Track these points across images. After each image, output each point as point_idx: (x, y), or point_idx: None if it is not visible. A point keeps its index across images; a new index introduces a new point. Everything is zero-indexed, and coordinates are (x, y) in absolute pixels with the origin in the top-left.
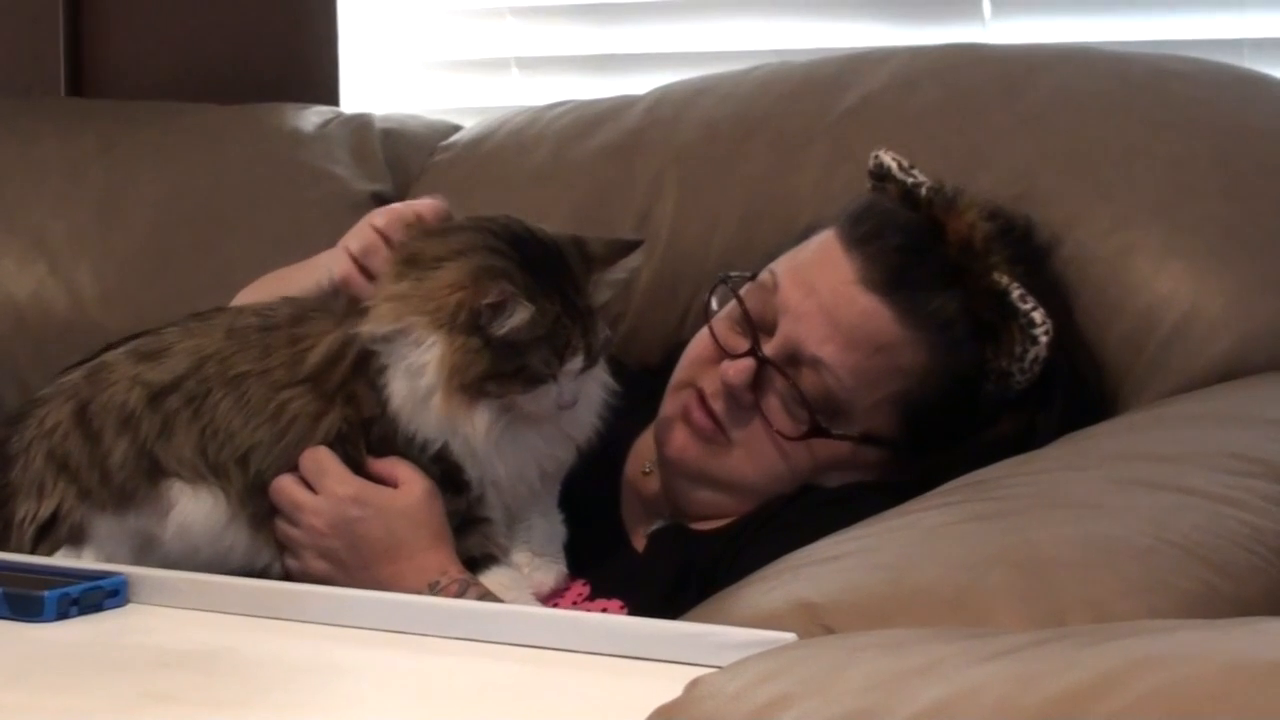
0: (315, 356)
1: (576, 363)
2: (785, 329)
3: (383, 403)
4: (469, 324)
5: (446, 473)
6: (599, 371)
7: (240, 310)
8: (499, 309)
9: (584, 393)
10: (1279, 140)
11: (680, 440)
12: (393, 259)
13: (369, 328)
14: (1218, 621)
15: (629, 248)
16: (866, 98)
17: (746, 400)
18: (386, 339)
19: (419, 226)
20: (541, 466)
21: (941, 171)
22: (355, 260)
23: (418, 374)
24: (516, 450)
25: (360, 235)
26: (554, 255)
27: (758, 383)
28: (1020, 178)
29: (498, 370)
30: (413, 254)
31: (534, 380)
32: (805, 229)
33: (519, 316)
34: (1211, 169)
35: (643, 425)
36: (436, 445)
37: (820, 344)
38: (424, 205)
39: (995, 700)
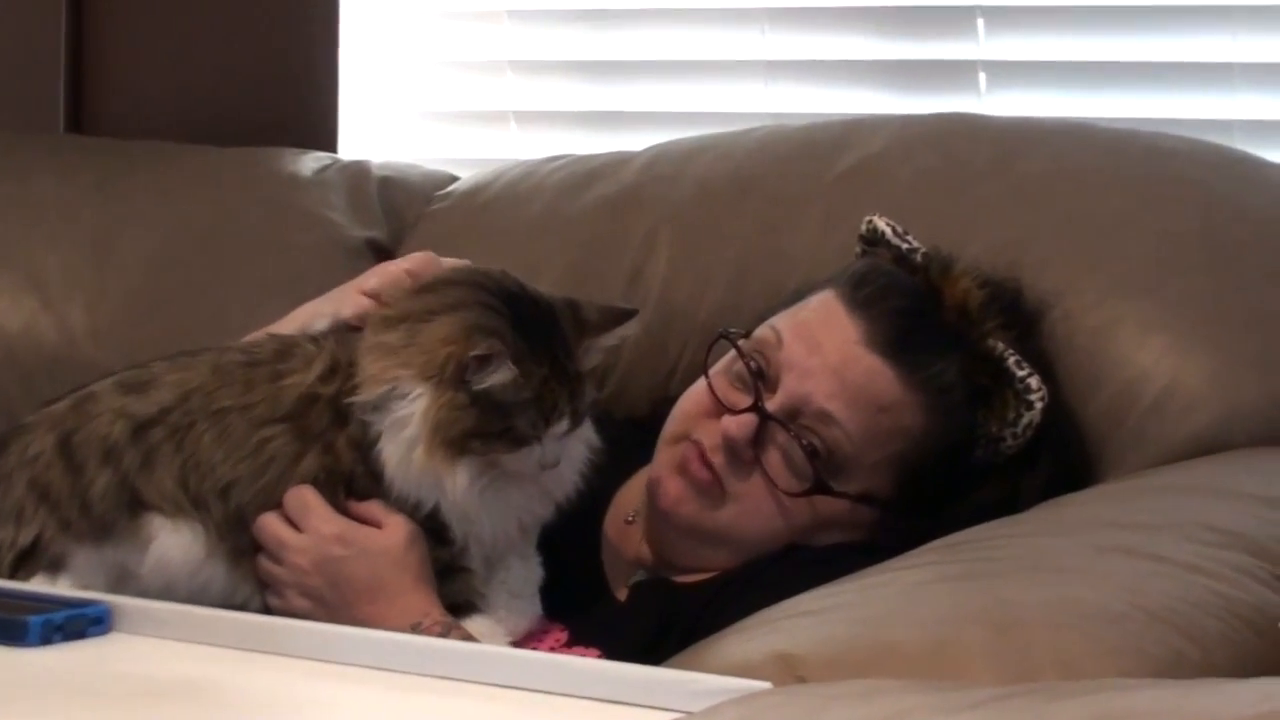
0: (292, 394)
1: (561, 426)
2: (790, 385)
3: (376, 471)
4: (456, 378)
5: (432, 528)
6: (583, 430)
7: (227, 347)
8: (485, 363)
9: (567, 452)
10: (1266, 220)
11: (676, 492)
12: (380, 317)
13: (362, 398)
14: (1183, 682)
15: (623, 316)
16: (861, 163)
17: (746, 456)
18: (377, 406)
19: (409, 285)
20: (521, 521)
21: (933, 238)
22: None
23: (403, 425)
24: (498, 506)
25: (352, 301)
26: (547, 317)
27: (757, 439)
28: (1010, 247)
29: (483, 429)
30: (404, 312)
31: (518, 441)
32: (796, 290)
33: (502, 375)
34: (1199, 245)
35: (626, 475)
36: (427, 507)
37: (828, 399)
38: (413, 261)
39: None
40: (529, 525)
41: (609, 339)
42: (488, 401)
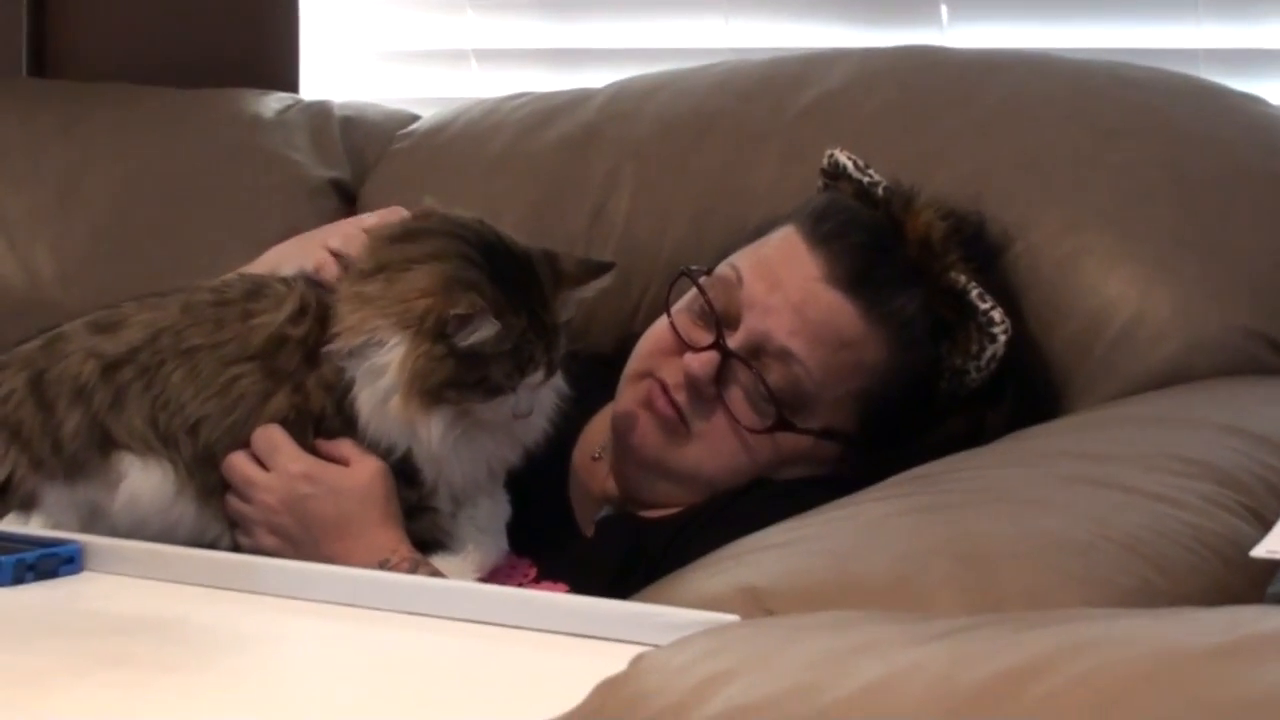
0: (262, 334)
1: (537, 377)
2: (751, 323)
3: (348, 414)
4: (435, 331)
5: (403, 471)
6: (554, 378)
7: (197, 286)
8: (466, 321)
9: (538, 400)
10: (1231, 150)
11: (642, 429)
12: (357, 272)
13: (340, 344)
14: (1151, 610)
15: (600, 269)
16: (822, 97)
17: (709, 393)
18: (353, 353)
19: (385, 233)
20: (490, 466)
21: (896, 172)
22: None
23: (379, 374)
24: (469, 453)
25: (316, 256)
26: (525, 268)
27: (720, 376)
28: (974, 179)
29: (459, 379)
30: (382, 261)
31: (493, 391)
32: (758, 226)
33: (485, 331)
34: (1163, 176)
35: (592, 412)
36: (399, 452)
37: (789, 336)
38: (379, 217)
39: (932, 679)
40: (498, 470)
41: (585, 291)
42: (465, 353)
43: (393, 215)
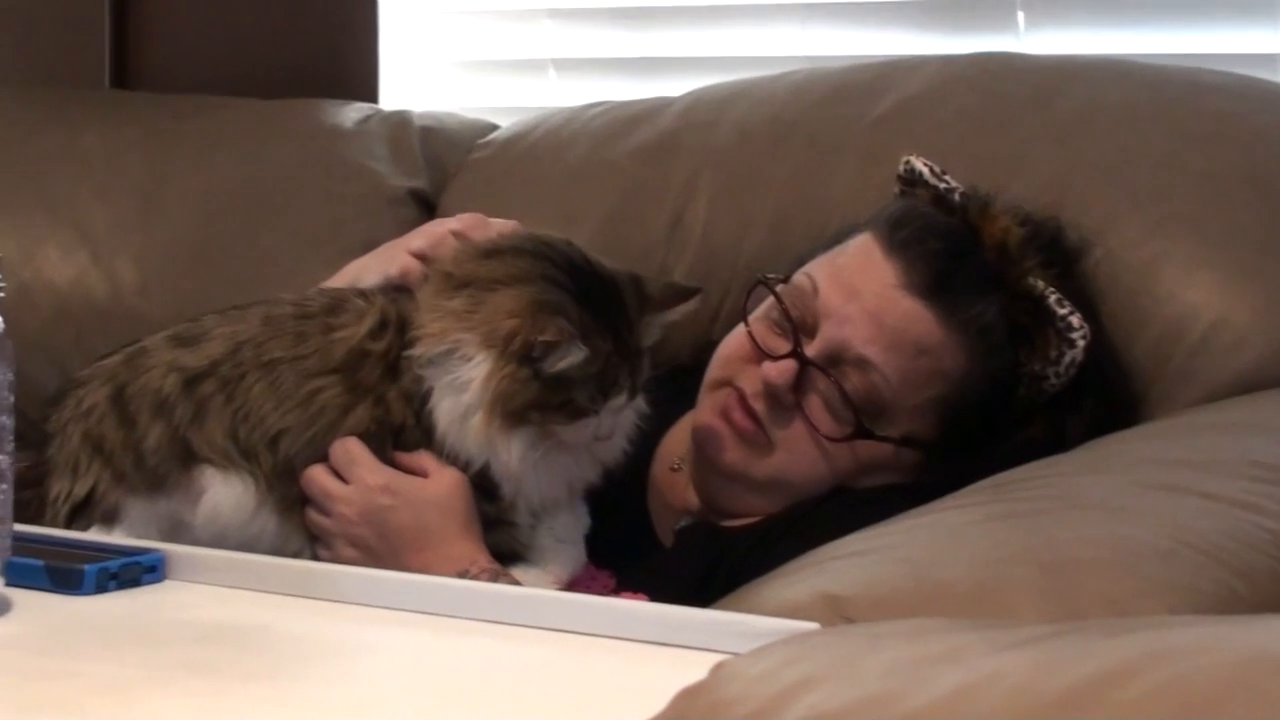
0: (343, 347)
1: (620, 401)
2: (828, 331)
3: (427, 426)
4: (520, 354)
5: (482, 484)
6: (636, 400)
7: (279, 299)
8: (554, 347)
9: (619, 422)
10: None
11: (722, 442)
12: (441, 275)
13: (421, 351)
14: (1236, 618)
15: (686, 294)
16: (899, 104)
17: (787, 401)
18: (433, 361)
19: (472, 247)
20: (570, 485)
21: (973, 178)
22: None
23: (461, 389)
24: (549, 472)
25: (399, 260)
26: (611, 291)
27: (798, 384)
28: (1052, 186)
29: (543, 402)
30: (468, 275)
31: (577, 414)
32: (836, 233)
33: (572, 357)
34: (1242, 182)
35: (671, 421)
36: (477, 466)
37: (865, 344)
38: (461, 221)
39: (1014, 687)
40: (577, 487)
41: (671, 315)
42: (551, 377)
43: (475, 220)
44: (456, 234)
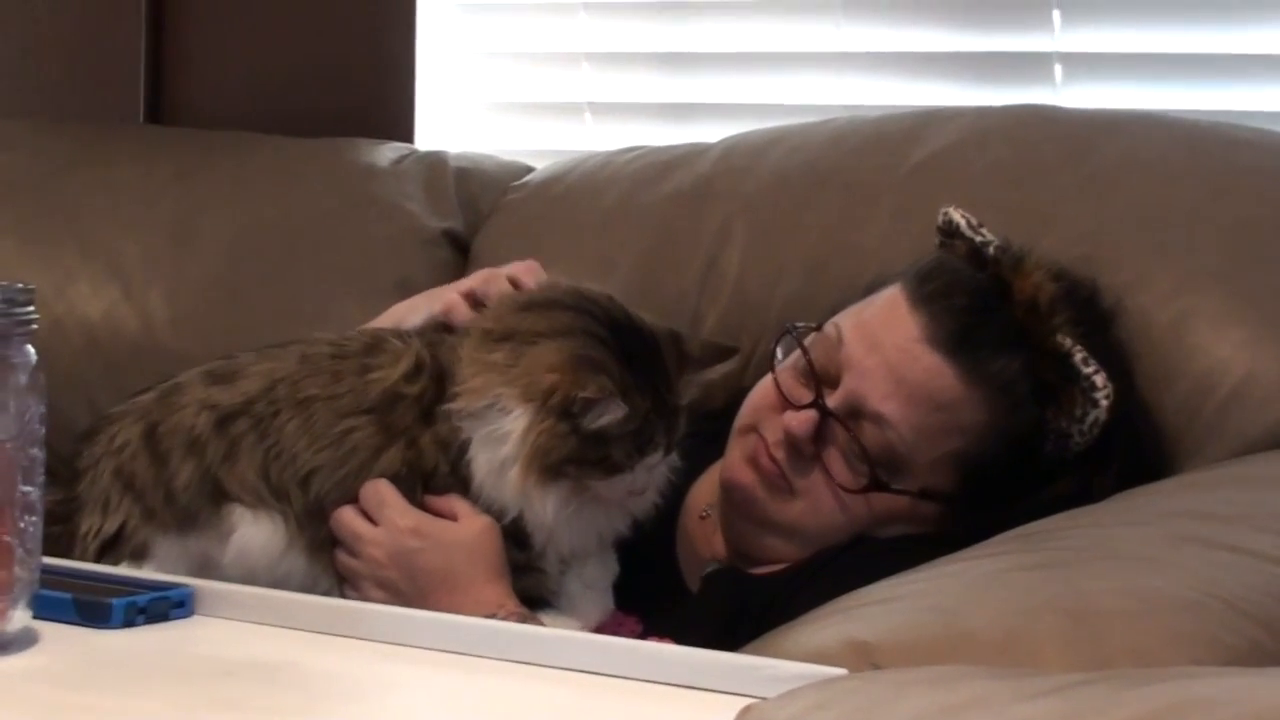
0: (378, 388)
1: (656, 458)
2: (849, 384)
3: (461, 474)
4: (560, 409)
5: (514, 533)
6: (671, 456)
7: (316, 339)
8: (594, 404)
9: (653, 477)
10: None
11: (748, 485)
12: (482, 330)
13: (462, 405)
14: (1261, 670)
15: (726, 353)
16: (935, 154)
17: (808, 451)
18: (473, 415)
19: (511, 300)
20: (601, 536)
21: (1007, 230)
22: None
23: (499, 442)
24: (580, 523)
25: (444, 298)
26: (651, 348)
27: (820, 434)
28: (1084, 239)
29: (580, 457)
30: (509, 329)
31: (613, 470)
32: (871, 283)
33: (613, 414)
34: (1274, 236)
35: (701, 469)
36: (510, 516)
37: (883, 400)
38: (516, 268)
39: None
40: (607, 538)
41: (710, 374)
42: (589, 433)
43: (530, 268)
44: (512, 279)
